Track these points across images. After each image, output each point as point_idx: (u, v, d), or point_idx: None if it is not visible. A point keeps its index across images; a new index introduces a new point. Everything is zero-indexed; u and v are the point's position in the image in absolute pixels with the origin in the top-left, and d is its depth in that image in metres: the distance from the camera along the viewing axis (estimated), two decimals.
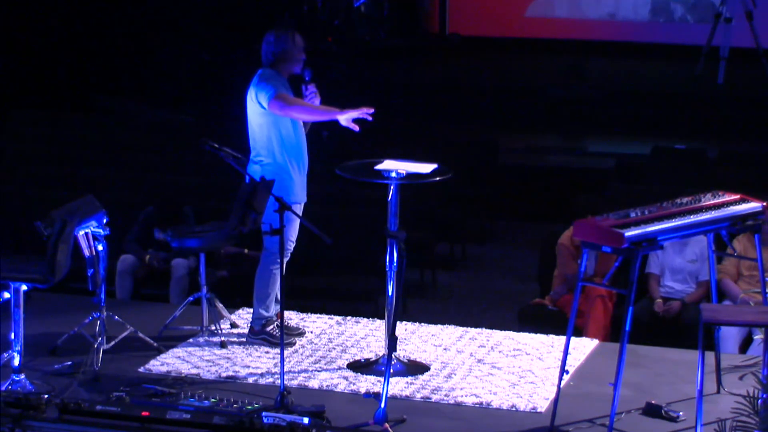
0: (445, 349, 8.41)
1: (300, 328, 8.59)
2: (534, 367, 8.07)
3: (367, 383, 7.71)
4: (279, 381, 7.25)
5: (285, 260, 8.03)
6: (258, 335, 8.27)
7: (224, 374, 7.83)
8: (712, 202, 7.32)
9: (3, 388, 7.24)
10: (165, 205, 10.04)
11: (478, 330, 8.78)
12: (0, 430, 6.09)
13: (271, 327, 8.25)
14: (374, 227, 9.33)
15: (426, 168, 8.01)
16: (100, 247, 7.84)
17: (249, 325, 8.39)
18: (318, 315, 9.00)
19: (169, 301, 9.66)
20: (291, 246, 8.20)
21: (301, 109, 7.99)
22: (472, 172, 12.09)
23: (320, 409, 7.00)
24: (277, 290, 8.15)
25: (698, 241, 9.02)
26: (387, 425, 6.82)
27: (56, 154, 12.61)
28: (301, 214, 8.04)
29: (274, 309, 8.24)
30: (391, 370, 7.21)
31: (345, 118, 7.92)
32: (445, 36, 18.26)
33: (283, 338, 7.38)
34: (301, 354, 8.25)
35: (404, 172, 7.88)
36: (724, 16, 15.01)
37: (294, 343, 8.30)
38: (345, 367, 8.01)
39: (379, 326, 8.65)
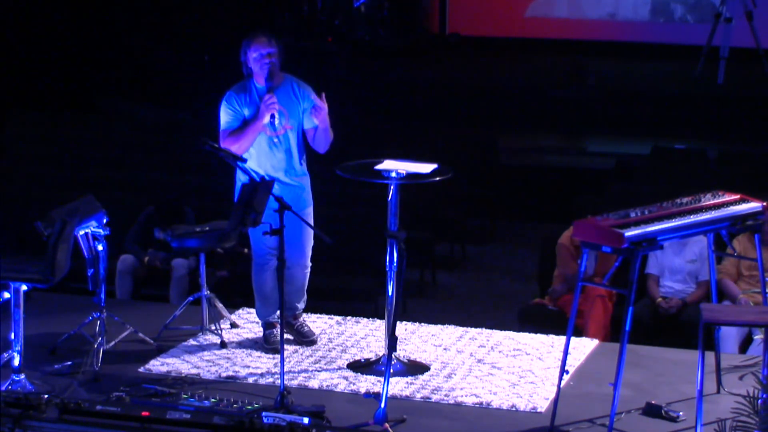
0: (445, 349, 8.41)
1: (312, 336, 8.40)
2: (534, 367, 8.07)
3: (367, 383, 7.71)
4: (279, 381, 7.25)
5: (269, 267, 8.07)
6: (264, 331, 8.30)
7: (224, 374, 7.83)
8: (712, 202, 7.32)
9: (3, 388, 7.24)
10: (165, 205, 10.04)
11: (478, 330, 8.78)
12: (0, 430, 6.09)
13: (270, 331, 8.24)
14: (374, 227, 9.33)
15: (426, 168, 8.01)
16: (100, 247, 7.84)
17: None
18: (318, 315, 8.99)
19: (169, 301, 9.66)
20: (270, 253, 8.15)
21: (232, 141, 7.95)
22: (472, 172, 12.08)
23: (320, 409, 7.00)
24: (269, 294, 8.19)
25: (697, 241, 9.02)
26: (387, 425, 6.82)
27: (56, 155, 12.62)
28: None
29: (275, 312, 8.21)
30: (391, 370, 7.21)
31: (266, 117, 7.92)
32: (445, 36, 18.24)
33: (282, 345, 7.35)
34: (301, 354, 8.25)
35: (404, 172, 7.88)
36: (724, 16, 14.98)
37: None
38: (345, 367, 8.01)
39: (379, 326, 8.65)
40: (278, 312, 8.10)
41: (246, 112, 8.01)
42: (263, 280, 8.19)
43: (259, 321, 8.42)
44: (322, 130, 8.09)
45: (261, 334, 8.39)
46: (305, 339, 8.37)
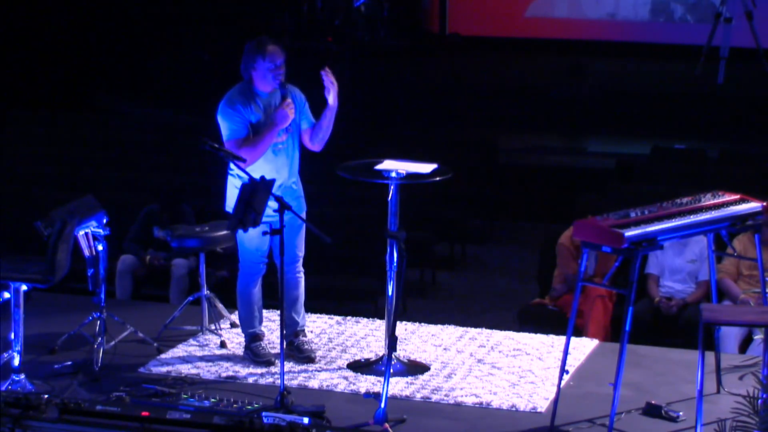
0: (445, 349, 8.41)
1: (311, 354, 8.11)
2: (534, 367, 8.07)
3: (367, 383, 7.71)
4: (279, 381, 7.24)
5: (258, 274, 7.97)
6: (246, 349, 8.12)
7: (224, 374, 7.83)
8: (712, 202, 7.32)
9: (3, 388, 7.24)
10: (165, 203, 10.03)
11: (478, 330, 8.78)
12: (0, 430, 6.09)
13: (257, 343, 8.06)
14: (374, 227, 9.32)
15: (426, 168, 8.01)
16: (100, 247, 7.84)
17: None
18: (318, 315, 8.99)
19: (169, 301, 9.66)
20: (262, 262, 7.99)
21: (250, 150, 7.70)
22: (472, 172, 12.09)
23: (320, 409, 7.00)
24: (256, 304, 8.03)
25: (697, 241, 9.02)
26: (387, 425, 6.82)
27: (56, 154, 12.62)
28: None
29: (260, 323, 8.11)
30: (391, 370, 7.21)
31: (286, 122, 7.76)
32: (445, 36, 18.26)
33: (282, 344, 7.33)
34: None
35: (404, 172, 7.87)
36: (724, 16, 15.01)
37: (273, 362, 7.95)
38: (345, 367, 8.01)
39: (379, 326, 8.65)
40: (262, 324, 8.10)
41: (252, 119, 7.81)
42: (251, 289, 7.99)
43: (242, 334, 8.15)
44: (329, 115, 7.81)
45: None
46: (302, 355, 8.05)
